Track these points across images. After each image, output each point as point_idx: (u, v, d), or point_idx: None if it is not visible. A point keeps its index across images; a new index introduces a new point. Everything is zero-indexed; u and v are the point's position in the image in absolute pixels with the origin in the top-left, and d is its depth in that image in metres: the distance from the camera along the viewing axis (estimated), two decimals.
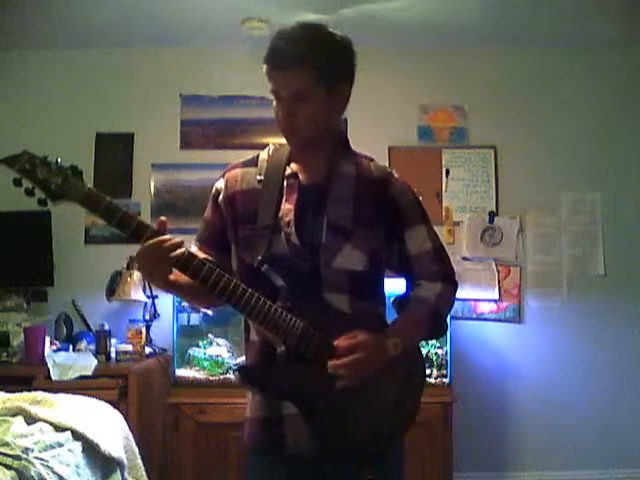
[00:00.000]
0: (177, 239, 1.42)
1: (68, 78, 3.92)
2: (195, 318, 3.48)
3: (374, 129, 3.86)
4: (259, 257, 1.50)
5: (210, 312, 3.36)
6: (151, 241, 1.39)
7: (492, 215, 3.90)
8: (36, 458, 1.97)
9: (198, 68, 3.87)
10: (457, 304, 3.78)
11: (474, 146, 3.94)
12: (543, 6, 3.44)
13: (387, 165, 1.73)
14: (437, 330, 1.65)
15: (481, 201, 3.92)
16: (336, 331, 1.49)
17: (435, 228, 1.69)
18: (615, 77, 3.94)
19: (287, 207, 1.56)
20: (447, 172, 3.93)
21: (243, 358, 1.81)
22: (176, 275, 1.48)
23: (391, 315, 1.65)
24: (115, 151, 3.90)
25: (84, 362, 3.13)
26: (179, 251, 1.41)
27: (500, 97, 3.95)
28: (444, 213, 3.88)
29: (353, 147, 1.71)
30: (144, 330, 3.44)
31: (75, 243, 3.70)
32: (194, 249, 1.63)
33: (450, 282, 1.65)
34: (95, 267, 3.67)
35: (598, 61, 3.93)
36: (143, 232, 1.40)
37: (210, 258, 1.56)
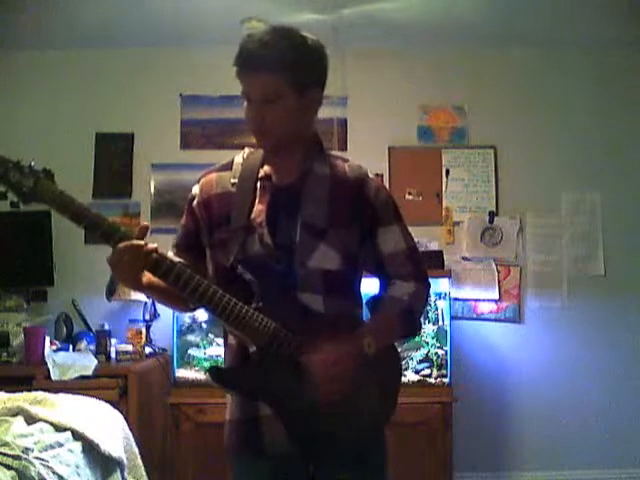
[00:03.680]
0: (152, 245, 1.43)
1: (68, 78, 3.92)
2: (195, 318, 3.48)
3: (374, 129, 3.87)
4: (232, 258, 1.52)
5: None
6: (123, 245, 1.40)
7: (492, 215, 3.90)
8: (36, 458, 1.97)
9: (198, 68, 3.86)
10: (457, 304, 3.79)
11: (474, 146, 3.94)
12: (543, 6, 3.44)
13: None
14: (411, 328, 1.65)
15: (481, 201, 3.92)
16: (310, 331, 1.50)
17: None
18: (615, 77, 3.94)
19: (259, 208, 1.57)
20: (447, 172, 3.92)
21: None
22: (149, 278, 1.49)
23: (367, 316, 1.66)
24: (115, 151, 3.90)
25: (84, 362, 3.13)
26: (152, 256, 1.42)
27: (500, 97, 3.96)
28: (444, 213, 3.87)
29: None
30: (144, 330, 3.44)
31: (75, 243, 3.70)
32: (170, 254, 1.64)
33: (423, 282, 1.66)
34: (95, 267, 3.63)
35: (598, 61, 3.93)
36: (112, 235, 1.41)
37: (185, 262, 1.56)
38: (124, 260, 1.41)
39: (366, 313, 1.66)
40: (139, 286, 1.51)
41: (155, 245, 1.44)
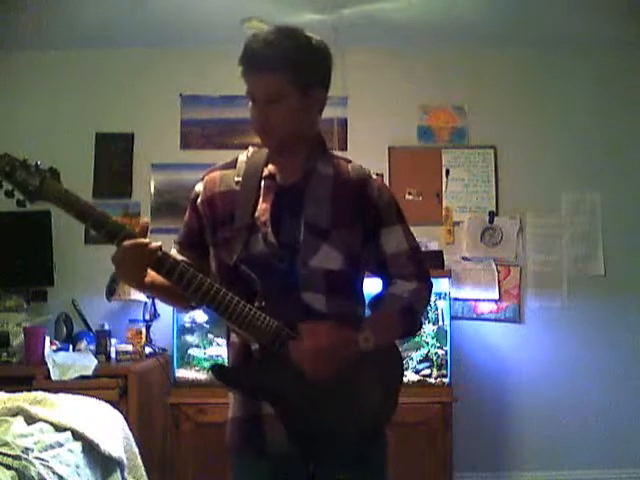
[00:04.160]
0: (155, 243, 1.44)
1: (68, 78, 3.92)
2: (195, 318, 3.48)
3: (374, 129, 3.87)
4: (235, 256, 1.52)
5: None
6: (128, 243, 1.41)
7: (492, 215, 3.90)
8: (36, 458, 1.97)
9: (198, 68, 3.86)
10: (457, 304, 3.79)
11: (474, 146, 3.94)
12: (543, 6, 3.44)
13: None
14: (411, 326, 1.65)
15: (481, 201, 3.92)
16: None
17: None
18: (615, 77, 3.94)
19: (263, 207, 1.57)
20: (447, 172, 3.93)
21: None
22: (152, 276, 1.50)
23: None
24: (115, 151, 3.90)
25: (84, 362, 3.13)
26: (157, 254, 1.43)
27: (500, 97, 3.96)
28: (444, 213, 3.87)
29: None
30: (144, 330, 3.44)
31: (75, 243, 3.70)
32: (173, 252, 1.64)
33: (425, 282, 1.65)
34: (95, 267, 3.66)
35: (598, 61, 3.94)
36: (117, 233, 1.42)
37: (188, 260, 1.57)
38: (128, 258, 1.42)
39: (368, 313, 1.66)
40: (142, 284, 1.51)
41: (159, 243, 1.44)
